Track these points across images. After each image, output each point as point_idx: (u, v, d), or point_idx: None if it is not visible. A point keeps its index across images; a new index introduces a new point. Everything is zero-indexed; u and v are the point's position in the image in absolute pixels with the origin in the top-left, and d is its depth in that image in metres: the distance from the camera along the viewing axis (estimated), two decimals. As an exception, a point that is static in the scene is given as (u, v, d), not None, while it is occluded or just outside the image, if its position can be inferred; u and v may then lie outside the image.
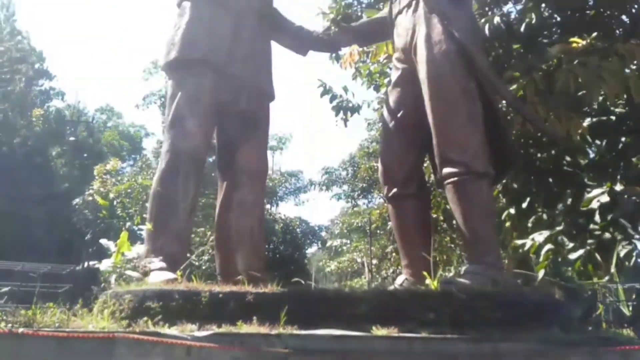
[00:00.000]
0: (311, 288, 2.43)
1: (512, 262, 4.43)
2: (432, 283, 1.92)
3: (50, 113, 21.99)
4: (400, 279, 2.47)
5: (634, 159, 2.69)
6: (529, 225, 2.99)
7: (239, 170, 2.40)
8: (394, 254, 8.94)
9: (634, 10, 3.03)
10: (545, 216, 2.91)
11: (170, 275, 1.90)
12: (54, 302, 1.77)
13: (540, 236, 2.71)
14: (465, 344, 1.56)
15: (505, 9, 3.55)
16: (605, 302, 7.92)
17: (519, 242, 2.84)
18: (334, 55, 4.61)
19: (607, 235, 2.55)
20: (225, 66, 2.25)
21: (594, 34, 2.48)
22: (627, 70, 2.44)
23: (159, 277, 1.89)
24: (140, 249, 2.16)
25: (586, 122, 2.76)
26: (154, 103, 17.17)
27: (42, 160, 18.64)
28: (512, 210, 3.10)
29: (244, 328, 1.52)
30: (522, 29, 3.06)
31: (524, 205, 2.96)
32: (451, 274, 6.71)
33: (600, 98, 2.48)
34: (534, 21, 3.00)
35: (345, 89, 4.64)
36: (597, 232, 2.57)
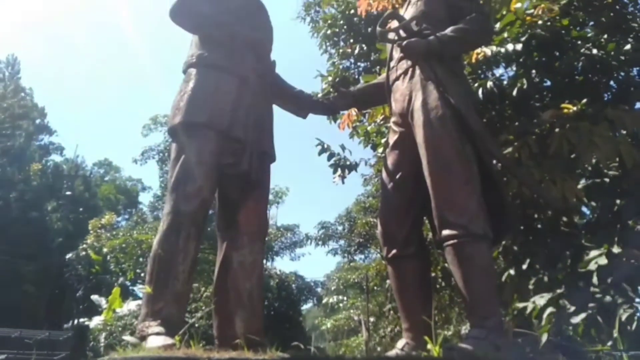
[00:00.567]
0: (311, 354, 2.37)
1: (514, 321, 4.36)
2: (433, 349, 1.89)
3: (48, 167, 22.13)
4: (400, 343, 2.43)
5: (630, 222, 2.72)
6: (530, 287, 2.97)
7: (239, 231, 2.40)
8: (391, 312, 8.76)
9: (621, 76, 3.17)
10: (546, 278, 2.90)
11: (168, 340, 1.85)
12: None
13: (541, 299, 2.69)
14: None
15: (497, 72, 3.71)
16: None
17: (521, 305, 2.82)
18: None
19: (608, 298, 2.54)
20: (228, 130, 2.31)
21: (584, 100, 2.59)
22: (618, 134, 2.53)
23: (157, 342, 1.85)
24: (132, 305, 2.12)
25: (581, 183, 2.82)
26: (152, 158, 17.41)
27: (38, 214, 18.56)
28: (512, 272, 3.10)
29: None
30: (514, 93, 3.19)
31: (524, 266, 2.96)
32: (450, 333, 6.57)
33: (594, 161, 2.54)
34: (525, 86, 3.13)
35: (343, 147, 4.74)
36: (598, 295, 2.56)
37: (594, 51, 2.96)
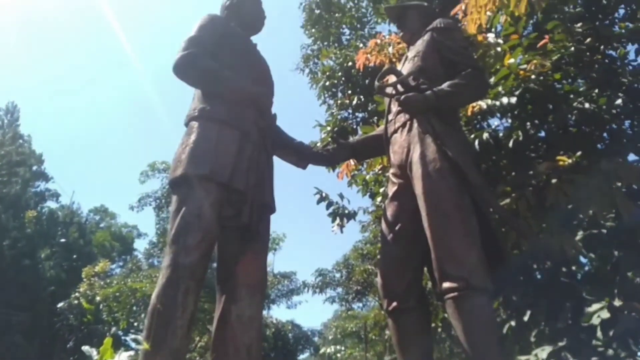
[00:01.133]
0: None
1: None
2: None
3: (43, 214, 22.00)
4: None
5: (629, 274, 2.71)
6: (532, 339, 2.93)
7: (237, 284, 2.38)
8: (391, 364, 8.53)
9: (613, 128, 3.24)
10: (547, 330, 2.86)
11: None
12: None
13: (543, 352, 2.64)
14: None
15: (492, 123, 3.79)
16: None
17: (522, 357, 2.76)
18: (330, 165, 4.78)
19: (611, 351, 2.50)
20: (229, 181, 2.33)
21: (579, 153, 2.64)
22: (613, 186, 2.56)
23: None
24: (124, 356, 2.07)
25: (578, 235, 2.83)
26: (149, 205, 17.37)
27: (31, 262, 18.28)
28: (513, 323, 3.05)
29: None
30: (510, 144, 3.25)
31: (525, 318, 2.93)
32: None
33: (590, 212, 2.57)
34: (520, 138, 3.20)
35: (341, 196, 4.76)
36: (601, 349, 2.52)
37: (586, 105, 3.04)
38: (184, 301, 2.10)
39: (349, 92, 5.91)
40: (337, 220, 4.70)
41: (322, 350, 16.61)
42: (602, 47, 3.48)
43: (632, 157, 3.16)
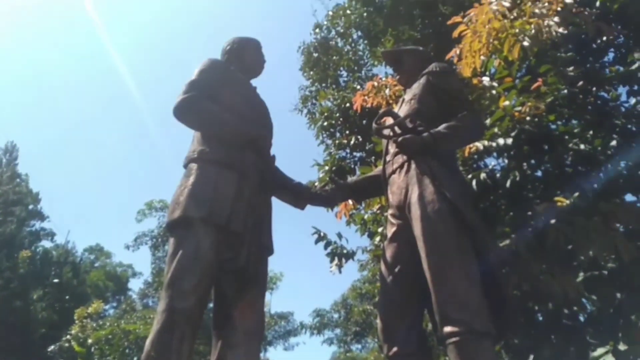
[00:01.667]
0: None
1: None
2: None
3: (37, 254, 21.73)
4: None
5: (632, 317, 2.67)
6: (536, 384, 2.85)
7: (234, 328, 2.33)
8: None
9: (608, 169, 3.27)
10: (551, 375, 2.79)
11: None
12: None
13: (548, 398, 2.57)
14: None
15: (489, 162, 3.81)
16: None
17: (527, 403, 2.68)
18: (328, 204, 4.77)
19: (617, 397, 2.43)
20: (227, 224, 2.31)
21: (577, 194, 2.65)
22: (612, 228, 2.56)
23: None
24: None
25: (580, 276, 2.81)
26: (145, 244, 17.23)
27: (22, 304, 17.90)
28: (517, 368, 2.98)
29: None
30: (507, 184, 3.26)
31: (529, 362, 2.86)
32: None
33: (590, 253, 2.55)
34: (517, 178, 3.21)
35: (340, 236, 4.73)
36: (608, 395, 2.45)
37: (582, 146, 3.08)
38: (179, 348, 2.05)
39: (347, 132, 5.99)
40: (336, 260, 4.66)
41: (320, 395, 16.12)
42: (594, 89, 3.55)
43: (629, 197, 3.17)
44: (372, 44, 7.47)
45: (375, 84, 4.04)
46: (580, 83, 3.34)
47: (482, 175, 3.30)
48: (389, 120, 2.75)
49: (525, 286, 2.76)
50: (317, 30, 8.42)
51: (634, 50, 3.71)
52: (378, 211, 4.23)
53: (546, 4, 2.97)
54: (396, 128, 2.63)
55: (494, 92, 3.26)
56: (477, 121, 2.70)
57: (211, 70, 2.69)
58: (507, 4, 3.01)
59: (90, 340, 11.80)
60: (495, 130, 3.24)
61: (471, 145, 3.24)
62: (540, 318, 3.11)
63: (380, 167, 2.97)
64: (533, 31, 2.86)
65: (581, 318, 3.06)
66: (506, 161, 3.47)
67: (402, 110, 2.85)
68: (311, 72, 8.10)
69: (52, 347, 13.67)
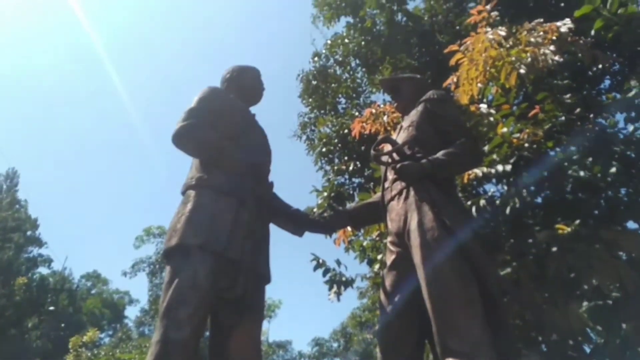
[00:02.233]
0: None
1: None
2: None
3: (33, 281, 21.49)
4: None
5: (639, 349, 2.61)
6: (542, 418, 2.77)
7: (230, 359, 2.27)
8: None
9: (609, 195, 3.25)
10: (557, 408, 2.71)
11: None
12: None
13: None
14: None
15: (488, 190, 3.80)
16: None
17: None
18: (326, 230, 4.74)
19: None
20: (224, 251, 2.28)
21: (578, 221, 2.63)
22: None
23: None
24: None
25: (584, 305, 2.76)
26: (142, 270, 17.06)
27: (17, 332, 17.61)
28: (521, 401, 2.90)
29: None
30: (507, 211, 3.24)
31: (533, 395, 2.78)
32: None
33: (594, 282, 2.51)
34: (517, 205, 3.20)
35: (338, 263, 4.69)
36: None
37: (581, 173, 3.07)
38: (174, 380, 1.99)
39: (346, 158, 6.00)
40: (334, 288, 4.60)
41: None
42: (591, 116, 3.57)
43: (630, 224, 3.15)
44: (370, 72, 7.56)
45: (374, 110, 4.06)
46: (578, 110, 3.36)
47: (482, 202, 3.29)
48: (387, 147, 2.74)
49: (528, 316, 2.71)
50: (316, 58, 8.54)
51: (629, 78, 3.74)
52: (377, 238, 4.20)
53: (542, 33, 3.01)
54: (394, 154, 2.63)
55: (491, 119, 3.27)
56: (475, 148, 2.70)
57: (210, 98, 2.70)
58: (503, 33, 3.05)
59: (84, 371, 11.57)
60: (494, 156, 3.24)
61: (470, 172, 3.23)
62: (545, 349, 3.04)
63: (379, 194, 2.95)
64: (529, 59, 2.89)
65: (587, 349, 2.99)
66: (505, 188, 3.47)
67: (400, 137, 2.84)
68: (310, 99, 8.17)
69: (46, 377, 13.37)
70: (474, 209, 3.26)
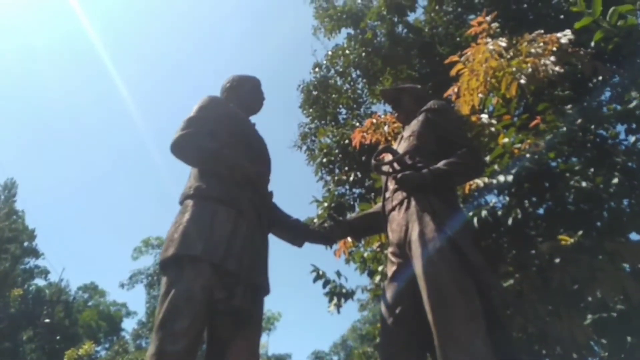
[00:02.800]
0: None
1: None
2: None
3: (29, 292, 21.32)
4: None
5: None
6: None
7: (228, 372, 2.22)
8: None
9: (611, 206, 3.22)
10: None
11: None
12: None
13: None
14: None
15: (490, 201, 3.77)
16: None
17: None
18: (326, 241, 4.70)
19: None
20: (222, 262, 2.23)
21: (580, 232, 2.59)
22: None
23: None
24: None
25: (588, 318, 2.71)
26: (140, 282, 16.94)
27: (11, 344, 17.41)
28: (524, 415, 2.84)
29: None
30: (509, 222, 3.21)
31: (537, 409, 2.73)
32: None
33: (598, 294, 2.47)
34: (519, 216, 3.17)
35: (339, 274, 4.64)
36: None
37: (583, 183, 3.05)
38: (169, 394, 1.94)
39: (346, 168, 5.98)
40: (335, 300, 4.55)
41: None
42: (592, 127, 3.56)
43: (633, 236, 3.12)
44: (371, 83, 7.57)
45: (374, 120, 4.04)
46: (579, 121, 3.34)
47: (484, 213, 3.26)
48: (388, 157, 2.72)
49: (531, 328, 2.66)
50: (317, 69, 8.56)
51: (630, 89, 3.73)
52: (378, 249, 4.16)
53: (542, 44, 3.00)
54: (395, 164, 2.60)
55: (492, 129, 3.25)
56: (476, 158, 2.67)
57: (210, 107, 2.67)
58: (503, 44, 3.05)
59: (80, 384, 11.42)
60: (495, 167, 3.21)
61: (471, 182, 3.20)
62: (547, 362, 2.99)
63: (379, 204, 2.92)
64: (530, 70, 2.88)
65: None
66: (507, 198, 3.44)
67: (401, 146, 2.82)
68: (310, 110, 8.17)
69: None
70: (475, 220, 3.22)
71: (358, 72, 8.01)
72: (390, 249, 2.66)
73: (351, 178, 5.74)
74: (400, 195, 2.63)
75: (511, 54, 3.13)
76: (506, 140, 3.17)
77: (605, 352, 2.79)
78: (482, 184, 3.15)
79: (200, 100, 2.72)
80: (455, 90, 3.36)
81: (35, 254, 23.01)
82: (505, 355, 2.21)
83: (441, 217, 2.38)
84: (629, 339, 2.63)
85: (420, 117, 2.81)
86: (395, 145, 2.98)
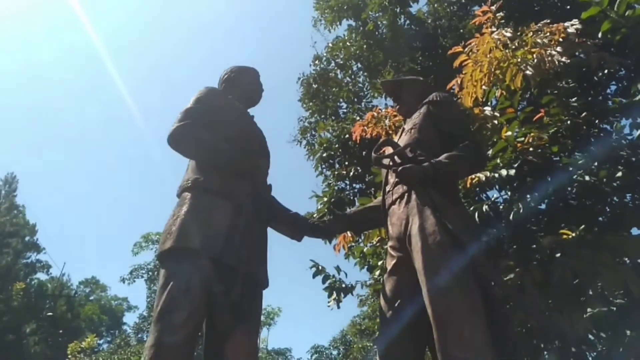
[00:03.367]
0: None
1: None
2: None
3: (31, 287, 21.39)
4: None
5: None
6: None
7: (226, 366, 2.20)
8: None
9: (614, 201, 3.19)
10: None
11: None
12: None
13: None
14: None
15: (492, 195, 3.73)
16: None
17: None
18: (326, 236, 4.67)
19: None
20: (220, 256, 2.21)
21: (582, 227, 2.56)
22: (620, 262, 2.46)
23: None
24: None
25: (588, 312, 2.68)
26: (140, 277, 16.98)
27: (15, 337, 17.49)
28: (525, 410, 2.82)
29: None
30: (511, 216, 3.17)
31: (537, 405, 2.71)
32: None
33: (599, 289, 2.44)
34: (521, 210, 3.13)
35: (338, 269, 4.62)
36: None
37: (586, 178, 3.01)
38: (167, 386, 1.92)
39: (346, 163, 5.94)
40: (334, 295, 4.53)
41: None
42: (597, 121, 3.51)
43: (635, 230, 3.08)
44: (372, 76, 7.51)
45: (375, 114, 3.99)
46: (584, 114, 3.30)
47: (485, 207, 3.22)
48: (389, 150, 2.68)
49: (531, 323, 2.63)
50: (317, 61, 8.46)
51: (636, 82, 3.68)
52: (378, 244, 4.13)
53: (548, 34, 2.95)
54: (396, 157, 2.56)
55: (495, 122, 3.20)
56: (478, 151, 2.64)
57: (208, 98, 2.64)
58: (508, 34, 3.00)
59: (82, 377, 11.48)
60: (498, 161, 3.17)
61: (473, 177, 3.17)
62: (547, 356, 2.97)
63: (379, 198, 2.89)
64: (535, 61, 2.83)
65: (590, 357, 2.92)
66: (509, 193, 3.40)
67: (402, 139, 2.78)
68: (310, 103, 8.10)
69: (43, 383, 13.27)
70: (476, 215, 3.19)
71: (359, 65, 7.94)
72: (390, 243, 2.64)
73: (351, 173, 5.70)
74: (400, 188, 2.59)
75: (516, 44, 3.07)
76: (509, 133, 3.12)
77: (604, 346, 2.77)
78: (483, 178, 3.11)
79: (197, 91, 2.69)
80: (459, 81, 3.31)
81: (37, 248, 23.05)
82: (506, 350, 2.19)
83: (442, 211, 2.35)
84: (628, 332, 2.60)
85: (422, 110, 2.76)
86: (396, 138, 2.94)
